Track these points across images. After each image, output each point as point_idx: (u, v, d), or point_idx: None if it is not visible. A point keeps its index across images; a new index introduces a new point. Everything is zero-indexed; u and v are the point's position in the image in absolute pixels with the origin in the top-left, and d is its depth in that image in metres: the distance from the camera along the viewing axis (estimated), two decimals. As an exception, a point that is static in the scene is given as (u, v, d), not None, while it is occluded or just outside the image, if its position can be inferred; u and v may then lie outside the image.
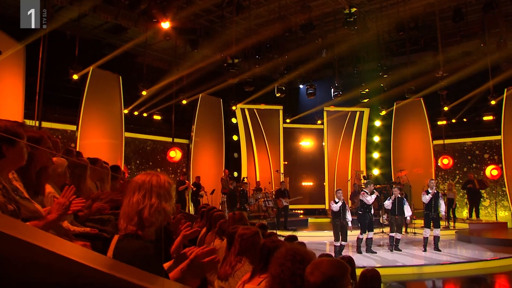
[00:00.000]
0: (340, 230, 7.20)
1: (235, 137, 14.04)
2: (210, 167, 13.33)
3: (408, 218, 8.05)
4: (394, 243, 7.74)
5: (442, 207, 7.82)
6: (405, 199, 8.06)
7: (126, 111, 11.21)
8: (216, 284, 2.56)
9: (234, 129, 14.01)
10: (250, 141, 14.17)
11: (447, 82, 11.98)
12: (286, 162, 14.35)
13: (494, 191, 12.58)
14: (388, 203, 7.84)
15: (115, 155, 10.06)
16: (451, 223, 11.18)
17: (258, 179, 13.70)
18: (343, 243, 7.20)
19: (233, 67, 11.33)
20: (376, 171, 14.71)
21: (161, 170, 12.81)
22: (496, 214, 12.22)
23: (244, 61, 11.36)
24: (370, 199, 7.46)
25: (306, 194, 14.10)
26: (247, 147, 14.13)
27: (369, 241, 7.59)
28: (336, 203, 7.26)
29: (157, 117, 12.43)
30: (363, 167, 14.68)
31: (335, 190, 7.92)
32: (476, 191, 11.71)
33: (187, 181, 11.78)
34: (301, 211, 13.55)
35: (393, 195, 7.81)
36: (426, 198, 7.73)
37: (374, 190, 7.71)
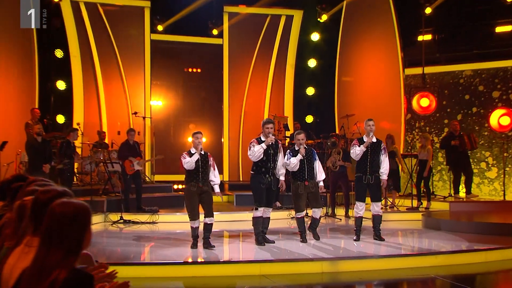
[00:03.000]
0: (199, 201, 6.86)
1: (59, 53, 12.09)
2: (6, 104, 11.00)
3: (321, 183, 7.34)
4: (310, 226, 7.35)
5: (385, 167, 7.26)
6: (314, 151, 7.39)
7: None
8: None
9: (58, 39, 12.06)
10: (89, 61, 12.38)
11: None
12: (158, 101, 13.18)
13: (505, 154, 11.52)
14: (293, 162, 7.01)
15: None
16: (424, 202, 10.21)
17: (103, 129, 12.25)
18: (208, 220, 6.78)
19: None
20: (310, 119, 13.80)
21: None
22: (504, 191, 11.06)
23: None
24: (256, 149, 6.80)
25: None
26: (84, 73, 12.36)
27: (264, 222, 7.09)
28: (192, 155, 6.75)
29: None
30: (288, 111, 13.55)
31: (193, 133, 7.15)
32: (462, 152, 10.62)
33: None
34: (183, 186, 11.93)
35: (301, 148, 7.04)
36: (356, 151, 7.20)
37: (274, 137, 7.03)
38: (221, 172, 13.03)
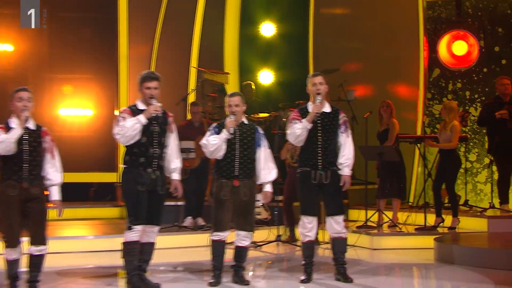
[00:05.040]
0: (22, 214, 6.88)
1: None
2: None
3: (268, 188, 7.52)
4: (234, 263, 7.54)
5: (348, 154, 7.60)
6: (259, 130, 7.75)
7: None
8: None
9: None
10: None
11: None
12: (5, 45, 13.45)
13: None
14: (213, 141, 7.33)
15: None
16: (447, 218, 10.45)
17: None
18: (34, 250, 6.75)
19: None
20: (266, 76, 14.15)
21: None
22: None
23: None
24: (129, 124, 7.15)
25: (69, 143, 13.33)
26: None
27: (143, 251, 7.25)
28: (9, 130, 7.02)
29: None
30: (231, 64, 14.42)
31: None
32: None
33: None
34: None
35: (229, 119, 7.41)
36: (295, 130, 7.51)
37: (159, 104, 7.37)
38: (112, 168, 13.22)
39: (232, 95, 7.45)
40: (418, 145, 11.01)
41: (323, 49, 13.51)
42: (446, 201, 10.77)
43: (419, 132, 11.84)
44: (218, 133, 7.14)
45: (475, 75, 12.53)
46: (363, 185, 10.84)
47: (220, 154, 7.07)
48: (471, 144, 12.49)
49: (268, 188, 7.33)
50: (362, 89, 13.07)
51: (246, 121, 7.32)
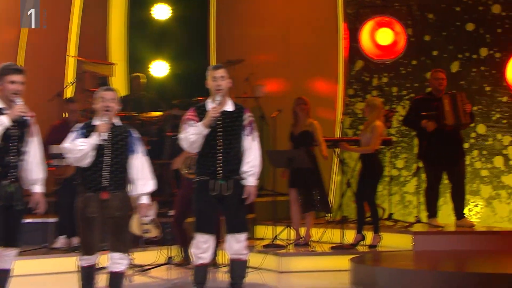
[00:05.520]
0: None
1: None
2: None
3: (144, 200, 7.59)
4: None
5: (253, 160, 7.68)
6: (133, 133, 7.82)
7: None
8: None
9: None
10: None
11: None
12: None
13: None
14: (80, 146, 7.28)
15: None
16: (368, 234, 10.61)
17: None
18: None
19: None
20: (160, 68, 14.48)
21: None
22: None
23: None
24: None
25: None
26: None
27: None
28: None
29: None
30: (118, 52, 14.75)
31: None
32: (443, 132, 11.02)
33: None
34: None
35: (101, 121, 7.29)
36: (189, 136, 7.70)
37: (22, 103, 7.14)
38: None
39: (107, 89, 7.39)
40: (336, 149, 11.01)
41: (227, 36, 13.83)
42: (368, 215, 10.76)
43: (337, 134, 12.06)
44: (85, 135, 6.96)
45: (403, 68, 12.69)
46: (271, 197, 10.85)
47: (86, 161, 6.94)
48: (399, 148, 12.65)
49: (144, 200, 7.23)
50: (272, 83, 13.36)
51: (118, 123, 7.17)
